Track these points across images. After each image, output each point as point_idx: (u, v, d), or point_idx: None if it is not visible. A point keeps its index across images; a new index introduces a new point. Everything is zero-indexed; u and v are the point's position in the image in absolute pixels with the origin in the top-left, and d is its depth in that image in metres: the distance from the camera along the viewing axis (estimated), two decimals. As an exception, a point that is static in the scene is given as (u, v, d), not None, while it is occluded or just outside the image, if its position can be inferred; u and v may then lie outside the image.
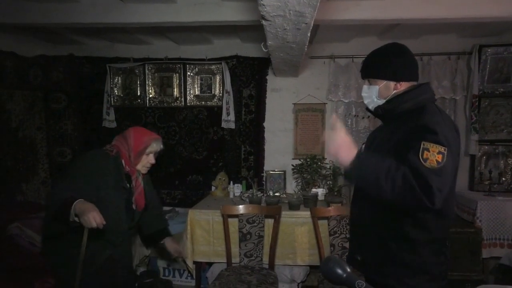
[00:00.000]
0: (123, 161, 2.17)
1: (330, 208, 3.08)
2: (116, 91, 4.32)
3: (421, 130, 1.52)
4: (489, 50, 3.80)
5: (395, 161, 1.48)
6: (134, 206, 2.24)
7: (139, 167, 2.23)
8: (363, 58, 1.86)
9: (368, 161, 1.50)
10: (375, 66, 1.76)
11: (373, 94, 1.77)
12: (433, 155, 1.46)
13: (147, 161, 2.24)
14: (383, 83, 1.73)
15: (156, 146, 2.26)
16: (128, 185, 2.19)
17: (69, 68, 4.32)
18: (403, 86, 1.71)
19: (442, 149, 1.47)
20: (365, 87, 1.82)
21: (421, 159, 1.46)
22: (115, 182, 2.12)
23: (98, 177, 2.06)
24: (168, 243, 2.57)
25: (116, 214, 2.13)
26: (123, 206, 2.18)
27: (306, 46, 2.61)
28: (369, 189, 1.51)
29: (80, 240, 1.94)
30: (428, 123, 1.53)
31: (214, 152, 4.29)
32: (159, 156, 2.35)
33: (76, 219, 1.85)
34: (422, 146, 1.48)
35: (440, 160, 1.45)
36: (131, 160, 2.18)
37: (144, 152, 2.20)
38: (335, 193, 3.48)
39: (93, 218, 1.82)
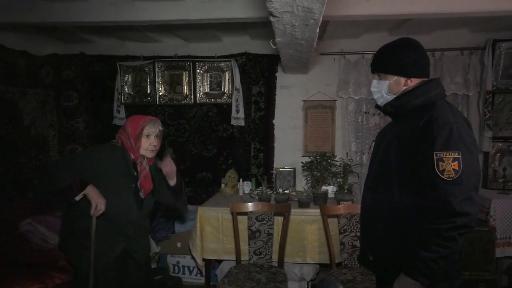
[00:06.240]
0: (128, 151, 2.23)
1: (340, 206, 3.06)
2: (126, 89, 4.35)
3: (429, 137, 1.50)
4: (503, 45, 3.72)
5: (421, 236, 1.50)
6: (141, 194, 2.26)
7: (142, 151, 2.23)
8: (373, 54, 1.83)
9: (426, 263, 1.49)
10: (387, 61, 1.72)
11: (383, 89, 1.74)
12: (448, 164, 1.44)
13: (148, 143, 2.22)
14: (394, 78, 1.70)
15: (152, 127, 2.25)
16: (135, 173, 2.23)
17: (80, 67, 4.36)
18: (413, 82, 1.68)
19: (456, 154, 1.44)
20: (374, 81, 1.78)
21: (438, 173, 1.45)
22: (122, 170, 2.17)
23: (104, 168, 2.12)
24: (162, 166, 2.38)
25: (126, 202, 2.18)
26: (132, 194, 2.21)
27: (315, 43, 2.59)
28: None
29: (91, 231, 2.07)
30: (435, 128, 1.50)
31: (224, 149, 4.30)
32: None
33: (78, 198, 2.02)
34: (435, 157, 1.46)
35: (457, 168, 1.44)
36: (132, 147, 2.20)
37: (142, 135, 2.20)
38: (345, 191, 3.45)
39: (104, 205, 2.02)
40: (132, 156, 2.21)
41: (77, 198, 2.02)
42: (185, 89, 4.27)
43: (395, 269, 1.58)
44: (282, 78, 4.19)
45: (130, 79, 4.34)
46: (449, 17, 3.04)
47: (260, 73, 4.20)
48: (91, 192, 2.03)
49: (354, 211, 2.92)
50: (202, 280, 3.66)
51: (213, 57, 4.19)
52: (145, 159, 2.26)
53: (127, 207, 2.18)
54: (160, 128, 2.30)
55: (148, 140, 2.22)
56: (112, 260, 2.16)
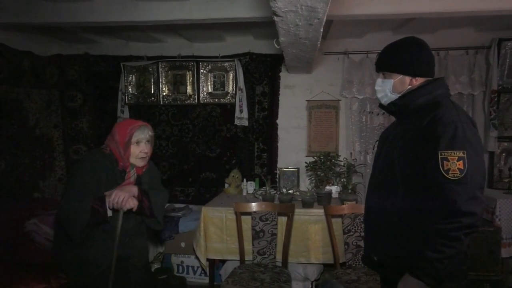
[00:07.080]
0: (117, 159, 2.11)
1: (344, 206, 3.04)
2: (130, 89, 4.36)
3: (434, 136, 1.49)
4: (508, 44, 3.70)
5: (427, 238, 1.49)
6: None
7: (132, 160, 2.10)
8: (378, 53, 1.82)
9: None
10: (392, 60, 1.71)
11: (387, 88, 1.73)
12: (453, 163, 1.43)
13: (139, 151, 2.09)
14: (399, 77, 1.69)
15: (142, 133, 2.10)
16: (123, 181, 2.12)
17: (84, 67, 4.38)
18: (418, 81, 1.67)
19: (461, 153, 1.44)
20: (379, 80, 1.78)
21: (443, 172, 1.44)
22: (111, 179, 2.07)
23: (99, 173, 2.04)
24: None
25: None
26: None
27: (319, 42, 2.58)
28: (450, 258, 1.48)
29: (87, 240, 2.01)
30: (439, 127, 1.49)
31: (227, 149, 4.29)
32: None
33: (110, 214, 1.97)
34: (440, 156, 1.45)
35: (462, 167, 1.43)
36: (122, 155, 2.08)
37: (131, 143, 2.07)
38: (349, 191, 3.44)
39: (131, 200, 1.99)
40: (121, 165, 2.11)
41: (110, 214, 1.97)
42: (189, 89, 4.27)
43: (400, 269, 1.57)
44: (286, 78, 4.18)
45: (134, 79, 4.35)
46: (454, 16, 3.02)
47: (263, 73, 4.19)
48: (111, 200, 1.97)
49: (358, 211, 2.91)
50: (206, 280, 3.66)
51: (216, 57, 4.19)
52: (134, 168, 2.14)
53: (115, 216, 2.06)
54: (151, 133, 2.16)
55: (138, 147, 2.09)
56: (106, 267, 2.06)
